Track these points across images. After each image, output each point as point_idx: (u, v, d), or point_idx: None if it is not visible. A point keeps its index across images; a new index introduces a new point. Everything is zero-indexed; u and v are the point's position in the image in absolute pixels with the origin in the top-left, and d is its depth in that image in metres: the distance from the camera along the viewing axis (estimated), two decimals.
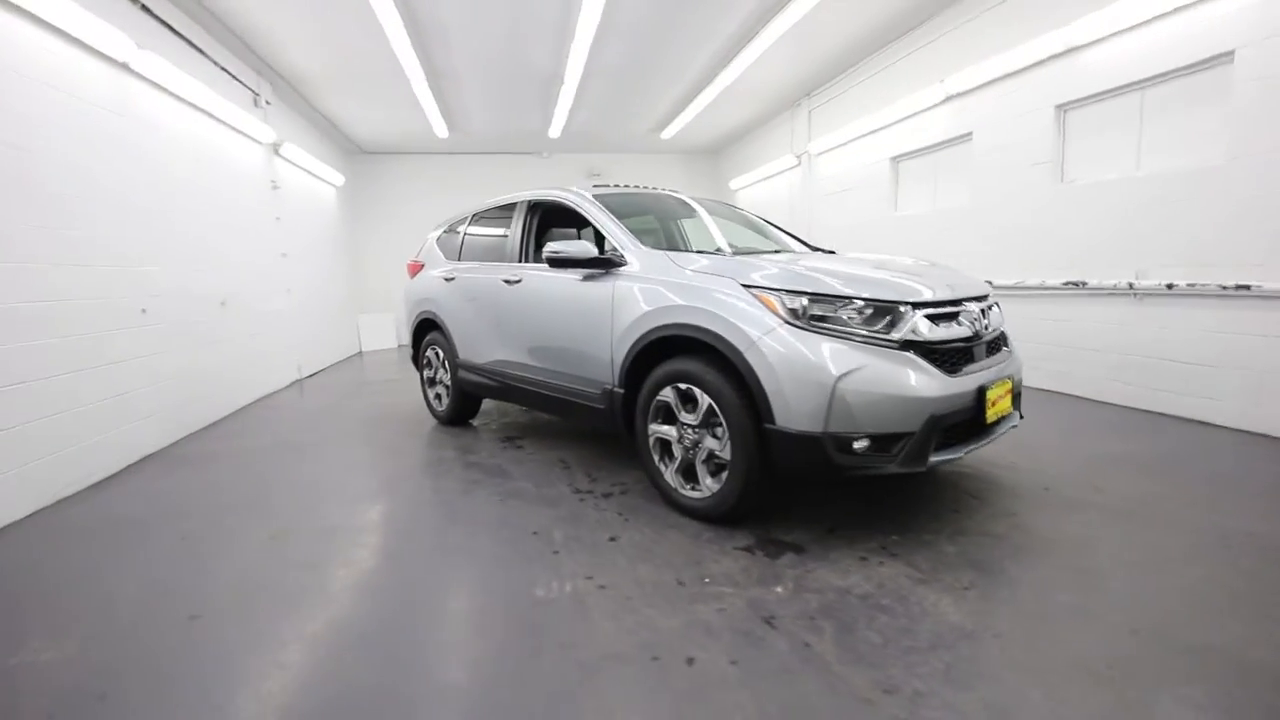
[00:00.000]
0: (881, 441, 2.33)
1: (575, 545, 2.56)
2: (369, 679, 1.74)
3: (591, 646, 1.85)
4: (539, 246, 3.99)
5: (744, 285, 2.55)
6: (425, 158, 11.18)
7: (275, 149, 6.97)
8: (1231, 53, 3.64)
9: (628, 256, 3.12)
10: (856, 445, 2.30)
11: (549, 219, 4.16)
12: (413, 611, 2.09)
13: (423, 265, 5.14)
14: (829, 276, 2.50)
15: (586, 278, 3.29)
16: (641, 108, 8.82)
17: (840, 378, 2.27)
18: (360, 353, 10.29)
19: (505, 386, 3.98)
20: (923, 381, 2.34)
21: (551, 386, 3.55)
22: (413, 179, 11.20)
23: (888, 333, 2.38)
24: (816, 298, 2.42)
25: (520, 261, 3.94)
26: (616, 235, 3.24)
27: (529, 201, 4.05)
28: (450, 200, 11.26)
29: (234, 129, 5.93)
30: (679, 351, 2.80)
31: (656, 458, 2.91)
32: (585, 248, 3.21)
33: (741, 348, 2.44)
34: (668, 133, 10.02)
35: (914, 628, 1.88)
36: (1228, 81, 3.69)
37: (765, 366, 2.38)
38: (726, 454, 2.56)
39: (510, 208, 4.24)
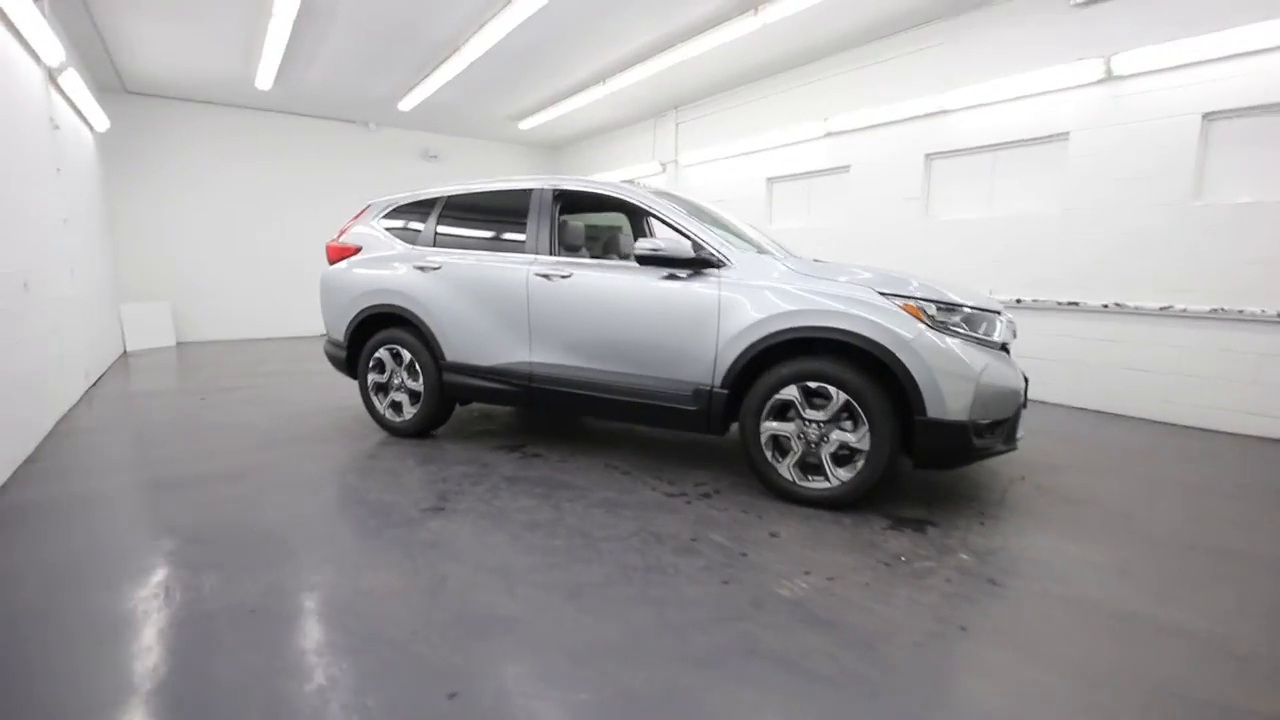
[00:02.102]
0: (994, 426, 2.83)
1: (748, 546, 2.56)
2: None
3: (930, 630, 1.96)
4: (565, 239, 3.71)
5: (882, 293, 2.83)
6: (226, 111, 9.00)
7: (54, 75, 5.04)
8: (1067, 133, 5.06)
9: (729, 258, 3.15)
10: (985, 430, 2.77)
11: (565, 211, 3.88)
12: (749, 653, 1.93)
13: (358, 249, 4.30)
14: (944, 288, 2.92)
15: (669, 277, 3.22)
16: (516, 94, 8.41)
17: (980, 373, 2.71)
18: (125, 353, 7.88)
19: (529, 390, 3.61)
20: (1013, 374, 2.91)
21: (618, 389, 3.36)
22: (205, 135, 8.92)
23: (990, 335, 2.89)
24: (944, 306, 2.82)
25: (550, 254, 3.61)
26: (707, 237, 3.23)
27: (553, 190, 3.72)
28: (260, 167, 9.39)
29: (14, 34, 4.17)
30: (796, 353, 2.96)
31: (769, 454, 3.03)
32: (684, 247, 3.15)
33: (894, 349, 2.72)
34: (527, 124, 9.69)
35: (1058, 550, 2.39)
36: (1064, 153, 5.11)
37: (920, 365, 2.69)
38: (864, 445, 2.82)
39: (519, 195, 3.83)
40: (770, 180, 7.73)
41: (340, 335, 4.29)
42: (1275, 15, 3.95)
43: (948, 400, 2.69)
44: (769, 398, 2.98)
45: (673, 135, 9.12)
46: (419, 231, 4.13)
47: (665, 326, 3.21)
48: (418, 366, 3.97)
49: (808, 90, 7.01)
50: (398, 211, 4.30)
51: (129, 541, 2.58)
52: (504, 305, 3.65)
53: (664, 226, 3.41)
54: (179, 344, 8.78)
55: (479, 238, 3.98)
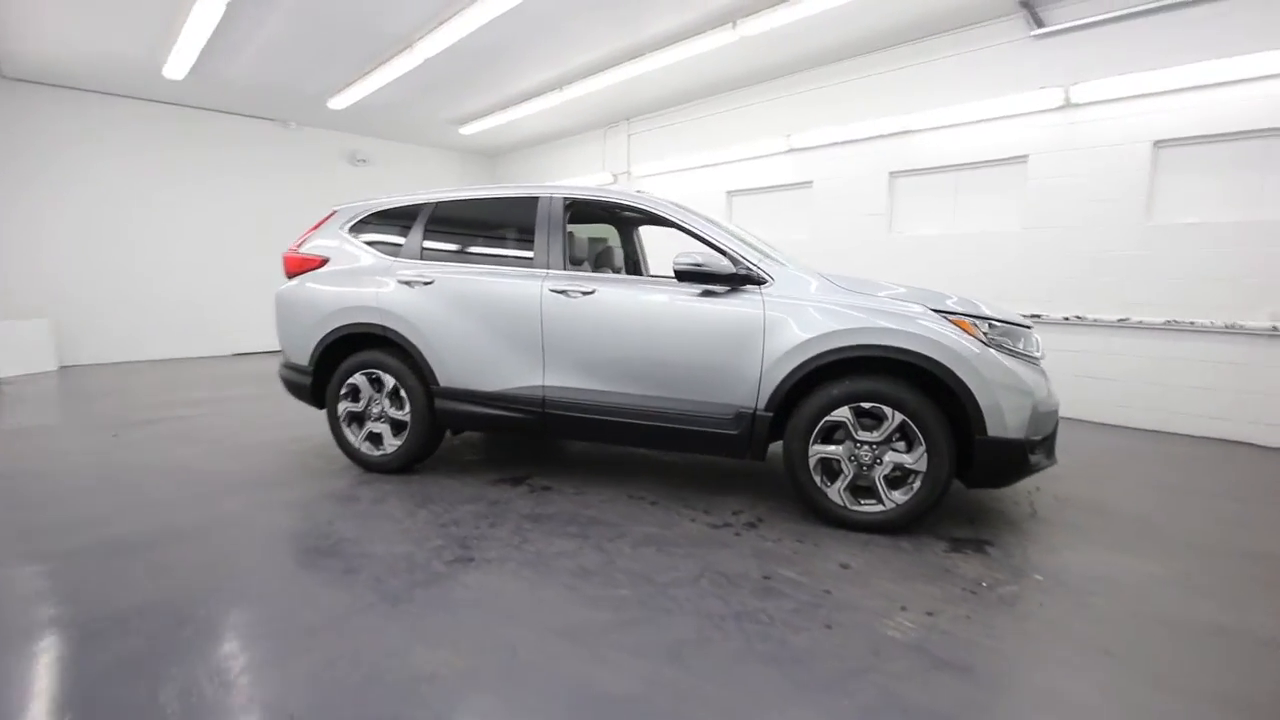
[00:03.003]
0: (1042, 442, 2.84)
1: (826, 581, 2.39)
2: None
3: (1069, 660, 1.85)
4: (573, 253, 3.42)
5: (936, 310, 2.78)
6: (123, 102, 7.93)
7: None
8: (1027, 156, 5.36)
9: (770, 273, 3.00)
10: (1037, 446, 2.77)
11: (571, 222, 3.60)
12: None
13: (323, 261, 3.79)
14: (985, 306, 2.91)
15: (705, 294, 3.03)
16: (464, 97, 7.96)
17: (1034, 389, 2.71)
18: None
19: (542, 417, 3.28)
20: (1053, 390, 2.94)
21: (648, 413, 3.11)
22: (97, 129, 7.78)
23: (1034, 352, 2.91)
24: (994, 323, 2.80)
25: (562, 268, 3.32)
26: (745, 252, 3.07)
27: (563, 199, 3.43)
28: (160, 167, 8.34)
29: None
30: (840, 374, 2.85)
31: (818, 479, 2.89)
32: (723, 262, 2.97)
33: (955, 367, 2.66)
34: (470, 129, 9.20)
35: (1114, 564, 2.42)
36: (1024, 175, 5.41)
37: (981, 383, 2.65)
38: (921, 466, 2.74)
39: (524, 204, 3.50)
40: (730, 193, 7.74)
41: (303, 359, 3.75)
42: (1217, 55, 4.35)
43: (1008, 418, 2.66)
44: (818, 420, 2.85)
45: (625, 145, 8.97)
46: (401, 242, 3.69)
47: (705, 347, 3.01)
48: (403, 393, 3.53)
49: (771, 105, 7.08)
50: (372, 220, 3.84)
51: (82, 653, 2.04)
52: (512, 325, 3.31)
53: (692, 240, 3.21)
54: (62, 368, 7.56)
55: (476, 250, 3.62)
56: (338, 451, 3.87)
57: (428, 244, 3.64)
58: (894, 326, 2.74)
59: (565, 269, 3.33)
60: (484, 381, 3.38)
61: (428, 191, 3.78)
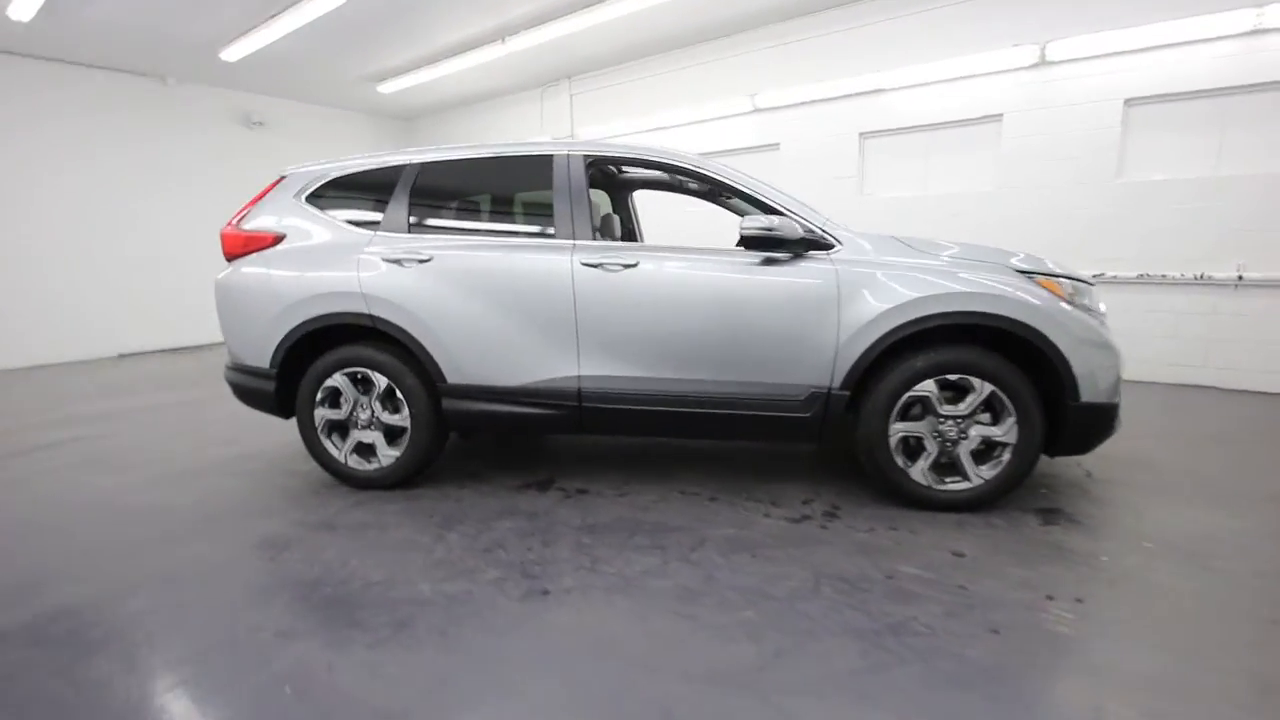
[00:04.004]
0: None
1: (952, 573, 2.18)
2: None
3: (1255, 638, 1.73)
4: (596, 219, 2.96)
5: (1019, 271, 2.60)
6: None
7: None
8: (1000, 115, 5.37)
9: (839, 237, 2.71)
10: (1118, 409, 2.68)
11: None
12: None
13: (277, 239, 3.09)
14: (1051, 262, 2.76)
15: (767, 262, 2.70)
16: (383, 50, 7.02)
17: (1118, 350, 2.61)
18: None
19: (578, 412, 2.84)
20: None
21: (707, 400, 2.75)
22: None
23: (1101, 308, 2.81)
24: (1075, 282, 2.67)
25: (590, 238, 2.85)
26: (807, 214, 2.75)
27: (584, 157, 2.93)
28: (11, 132, 6.66)
29: None
30: (920, 344, 2.63)
31: (900, 459, 2.67)
32: (793, 225, 2.63)
33: (1049, 332, 2.50)
34: (390, 86, 8.19)
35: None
36: (998, 134, 5.42)
37: (1073, 346, 2.50)
38: (1010, 438, 2.58)
39: (535, 164, 2.97)
40: None
41: (261, 360, 3.06)
42: (1188, 14, 4.47)
43: (1100, 381, 2.54)
44: (900, 395, 2.62)
45: (567, 107, 8.33)
46: (378, 215, 3.05)
47: (773, 322, 2.68)
48: (399, 394, 2.95)
49: (732, 64, 6.73)
50: (334, 187, 3.16)
51: None
52: (538, 307, 2.81)
53: (742, 202, 2.87)
54: None
55: (479, 222, 3.07)
56: (313, 466, 3.23)
57: (415, 215, 3.04)
58: (984, 291, 2.53)
59: (593, 239, 2.87)
60: (505, 375, 2.88)
61: (405, 152, 3.14)
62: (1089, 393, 2.53)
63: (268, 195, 3.21)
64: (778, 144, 6.66)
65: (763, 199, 2.78)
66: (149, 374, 6.50)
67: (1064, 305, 2.54)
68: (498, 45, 6.71)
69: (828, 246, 2.69)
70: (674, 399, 2.78)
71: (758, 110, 6.67)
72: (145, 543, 2.55)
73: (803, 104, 6.36)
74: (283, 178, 3.24)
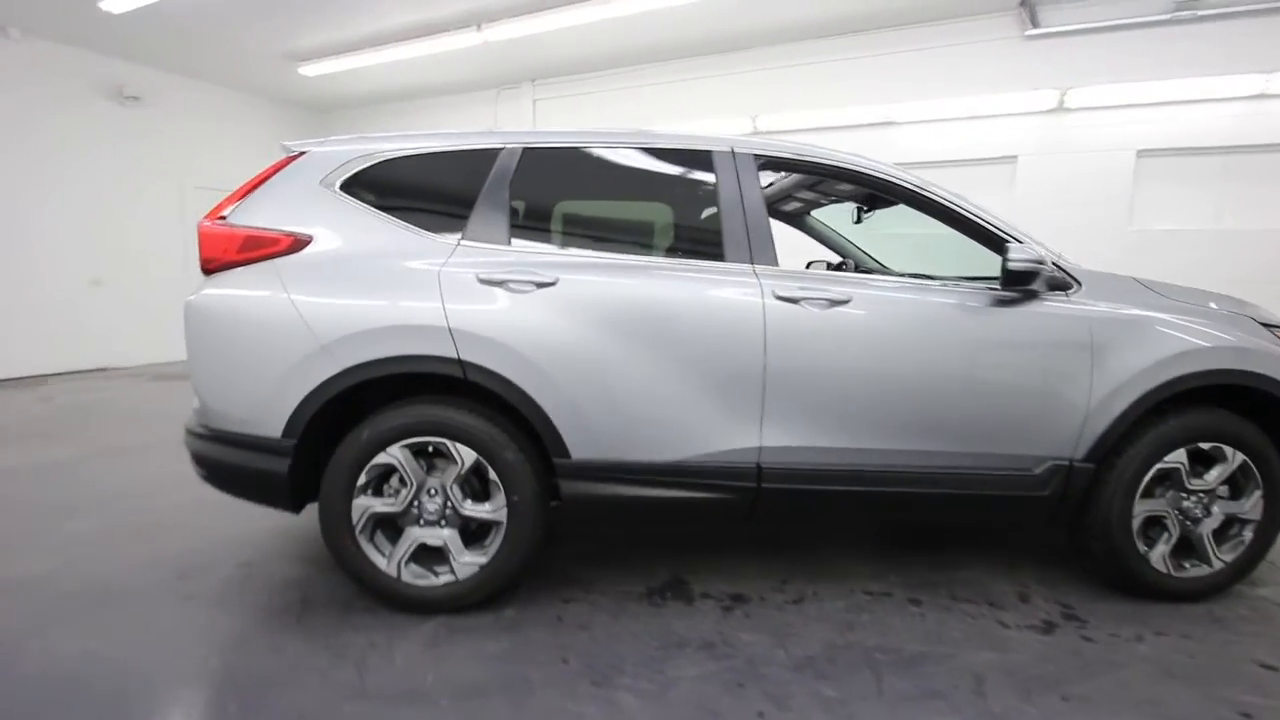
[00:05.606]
0: None
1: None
2: None
3: None
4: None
5: (1263, 324, 2.29)
6: None
7: None
8: (1015, 157, 5.38)
9: (1078, 276, 2.26)
10: None
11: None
12: None
13: (303, 242, 2.08)
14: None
15: (999, 302, 2.18)
16: (311, 22, 5.81)
17: None
18: None
19: (754, 494, 2.11)
20: None
21: (929, 477, 2.14)
22: None
23: None
24: None
25: (770, 262, 2.15)
26: (1031, 243, 2.28)
27: (755, 156, 2.25)
28: None
29: None
30: (1166, 408, 2.23)
31: (1140, 544, 2.23)
32: (1047, 259, 2.13)
33: None
34: (315, 69, 6.89)
35: None
36: (1012, 176, 5.43)
37: None
38: (1255, 514, 2.24)
39: (689, 159, 2.25)
40: None
41: (268, 425, 2.01)
42: (1196, 74, 4.69)
43: None
44: (1149, 467, 2.19)
45: (529, 113, 7.50)
46: (462, 215, 2.15)
47: (1013, 378, 2.16)
48: (493, 475, 2.04)
49: (730, 82, 6.33)
50: (388, 172, 2.21)
51: None
52: (711, 353, 2.06)
53: (958, 227, 2.36)
54: None
55: (610, 234, 2.27)
56: (323, 575, 2.20)
57: (519, 220, 2.18)
58: (1254, 349, 2.18)
59: (776, 263, 2.18)
60: (656, 448, 2.08)
61: (495, 133, 2.27)
62: None
63: (273, 179, 2.18)
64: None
65: (991, 225, 2.32)
66: (26, 416, 4.73)
67: None
68: (466, 33, 5.79)
69: (1065, 287, 2.23)
70: (884, 476, 2.15)
71: (758, 134, 6.30)
72: None
73: (806, 130, 6.07)
74: (296, 155, 2.22)
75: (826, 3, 5.16)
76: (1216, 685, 1.82)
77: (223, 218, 2.14)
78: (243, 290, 2.05)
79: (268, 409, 2.02)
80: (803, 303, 2.08)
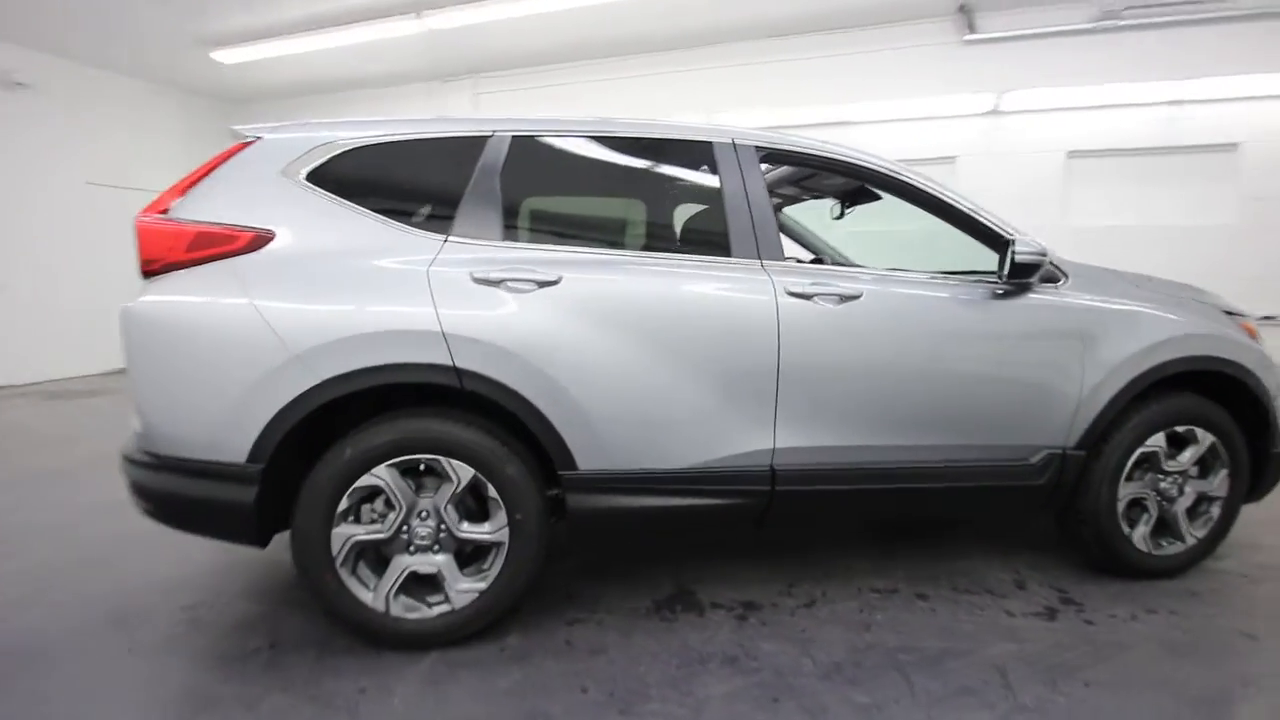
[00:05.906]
0: None
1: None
2: None
3: None
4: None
5: (1226, 312, 2.43)
6: None
7: None
8: (955, 157, 5.61)
9: (1064, 268, 2.32)
10: None
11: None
12: None
13: (264, 238, 1.83)
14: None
15: (1003, 294, 2.21)
16: (228, 5, 5.32)
17: None
18: None
19: (768, 499, 2.04)
20: None
21: (937, 471, 2.13)
22: None
23: None
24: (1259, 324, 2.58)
25: (777, 257, 2.09)
26: (1024, 235, 2.31)
27: (756, 147, 2.18)
28: None
29: None
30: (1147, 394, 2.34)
31: (1124, 526, 2.32)
32: (1043, 250, 2.16)
33: (1263, 377, 2.34)
34: (231, 55, 6.33)
35: None
36: (952, 175, 5.62)
37: (1276, 393, 2.38)
38: (1222, 491, 2.38)
39: (688, 151, 2.16)
40: None
41: (227, 449, 1.76)
42: (1120, 80, 5.03)
43: None
44: (1132, 452, 2.28)
45: (470, 107, 7.18)
46: (449, 209, 1.97)
47: (1015, 370, 2.19)
48: (493, 492, 1.88)
49: (687, 79, 6.28)
50: (361, 161, 1.99)
51: None
52: (723, 353, 1.97)
53: (948, 221, 2.38)
54: None
55: (610, 230, 2.14)
56: (271, 610, 1.97)
57: (512, 214, 2.01)
58: (1225, 336, 2.31)
59: (783, 258, 2.12)
60: (667, 454, 1.97)
61: (481, 119, 2.09)
62: None
63: (223, 169, 1.92)
64: None
65: (983, 219, 2.34)
66: None
67: (1264, 350, 2.42)
68: (406, 20, 5.46)
69: (1055, 279, 2.28)
70: (895, 473, 2.13)
71: None
72: None
73: (766, 128, 6.10)
74: (249, 141, 1.96)
75: (781, 2, 5.19)
76: (1216, 659, 1.90)
77: (165, 212, 1.86)
78: (195, 295, 1.78)
79: (229, 430, 1.76)
80: (815, 299, 2.03)
